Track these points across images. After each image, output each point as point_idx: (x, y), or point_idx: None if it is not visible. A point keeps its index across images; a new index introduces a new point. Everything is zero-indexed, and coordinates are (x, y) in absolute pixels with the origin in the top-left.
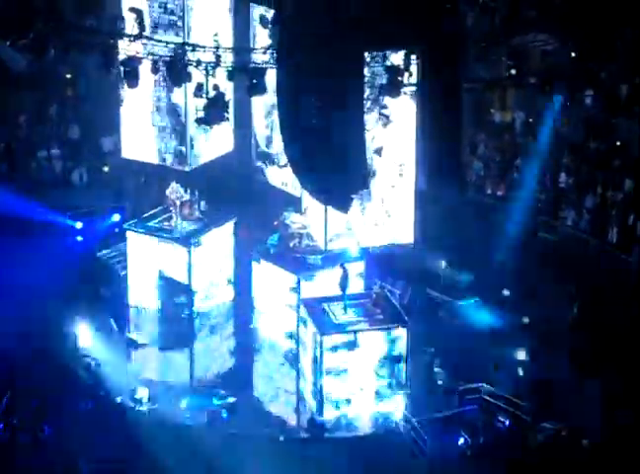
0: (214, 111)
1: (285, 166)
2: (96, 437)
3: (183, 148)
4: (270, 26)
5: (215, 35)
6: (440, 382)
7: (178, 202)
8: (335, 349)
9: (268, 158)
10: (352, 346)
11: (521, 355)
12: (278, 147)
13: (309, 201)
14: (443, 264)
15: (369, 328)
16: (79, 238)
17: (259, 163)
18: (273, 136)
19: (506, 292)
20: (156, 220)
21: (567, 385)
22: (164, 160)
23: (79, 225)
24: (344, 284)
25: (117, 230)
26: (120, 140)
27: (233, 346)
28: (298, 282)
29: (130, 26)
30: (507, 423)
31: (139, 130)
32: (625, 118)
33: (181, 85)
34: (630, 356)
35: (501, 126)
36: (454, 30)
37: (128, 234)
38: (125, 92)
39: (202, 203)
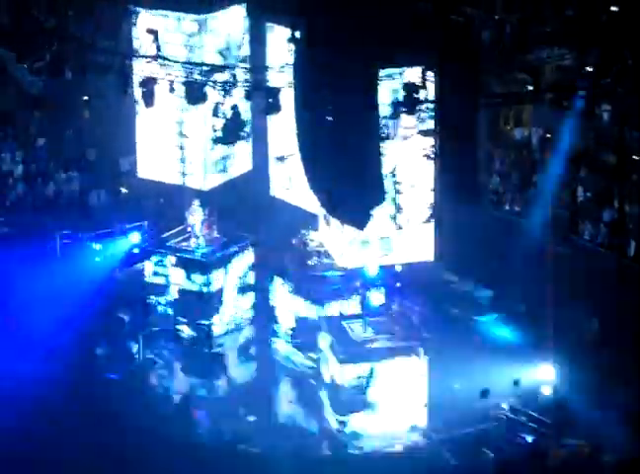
0: (232, 130)
1: (303, 184)
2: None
3: (200, 168)
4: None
5: (240, 58)
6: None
7: (198, 222)
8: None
9: (285, 176)
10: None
11: (543, 371)
12: (294, 165)
13: (327, 219)
14: (462, 280)
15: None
16: (98, 259)
17: (276, 181)
18: (289, 154)
19: (522, 308)
20: (175, 240)
21: (589, 401)
22: (182, 180)
23: (98, 247)
24: (363, 302)
25: (136, 251)
26: (137, 161)
27: (253, 364)
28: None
29: (147, 46)
30: (529, 439)
31: (157, 150)
32: None
33: (197, 105)
34: None
35: (518, 142)
36: (470, 46)
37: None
38: (142, 112)
39: (221, 223)
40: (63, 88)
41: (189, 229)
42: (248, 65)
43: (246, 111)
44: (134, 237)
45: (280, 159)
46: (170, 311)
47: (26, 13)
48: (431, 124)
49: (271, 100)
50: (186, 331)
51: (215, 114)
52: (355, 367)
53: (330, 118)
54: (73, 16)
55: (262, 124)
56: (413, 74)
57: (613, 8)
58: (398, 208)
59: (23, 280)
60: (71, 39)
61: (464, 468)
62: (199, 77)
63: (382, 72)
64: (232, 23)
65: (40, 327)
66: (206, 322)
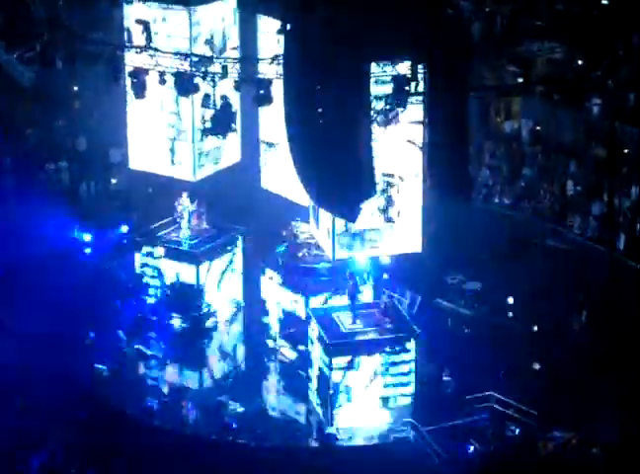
0: (221, 121)
1: (293, 176)
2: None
3: (190, 159)
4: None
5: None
6: (448, 391)
7: (186, 213)
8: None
9: (275, 168)
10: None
11: (531, 362)
12: (285, 157)
13: (317, 211)
14: (452, 272)
15: (379, 337)
16: (87, 250)
17: (266, 173)
18: (279, 146)
19: (510, 300)
20: (165, 231)
21: (577, 393)
22: (172, 171)
23: (87, 237)
24: (352, 294)
25: (125, 241)
26: (128, 152)
27: (242, 355)
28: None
29: (137, 37)
30: (517, 431)
31: (147, 142)
32: (632, 125)
33: (188, 96)
34: None
35: (508, 135)
36: (461, 38)
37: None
38: (133, 103)
39: (210, 215)
40: (54, 78)
41: (178, 220)
42: (238, 56)
43: (236, 102)
44: (124, 228)
45: (270, 145)
46: (159, 302)
47: (17, 2)
48: (420, 116)
49: (262, 91)
50: (175, 322)
51: (205, 105)
52: (343, 359)
53: (320, 111)
54: (63, 6)
55: (252, 116)
56: (403, 67)
57: (604, 1)
58: (388, 201)
59: (13, 271)
60: (61, 28)
61: (452, 460)
62: (189, 68)
63: (373, 65)
64: (222, 14)
65: (27, 317)
66: (196, 313)
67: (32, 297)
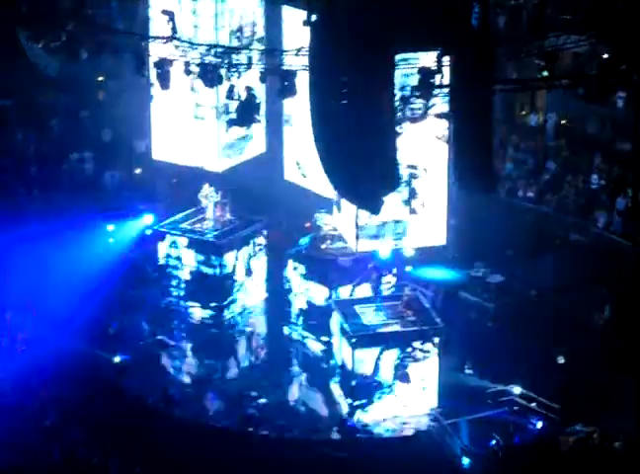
0: (246, 112)
1: (317, 167)
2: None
3: (215, 150)
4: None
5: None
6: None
7: (210, 204)
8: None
9: (299, 160)
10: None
11: (554, 356)
12: (308, 148)
13: (341, 203)
14: (476, 265)
15: (403, 329)
16: (111, 240)
17: (290, 165)
18: (304, 138)
19: (533, 292)
20: (188, 222)
21: (600, 387)
22: (196, 162)
23: (111, 227)
24: (376, 286)
25: (149, 232)
26: (152, 142)
27: (265, 347)
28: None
29: (162, 28)
30: (539, 425)
31: (171, 132)
32: None
33: (213, 87)
34: None
35: (532, 128)
36: (486, 31)
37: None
38: (157, 94)
39: (234, 205)
40: (79, 69)
41: (202, 211)
42: (263, 47)
43: (261, 93)
44: (148, 218)
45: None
46: (182, 293)
47: None
48: (445, 108)
49: (286, 83)
50: (198, 312)
51: (230, 96)
52: (366, 352)
53: (345, 102)
54: None
55: (277, 107)
56: (428, 59)
57: None
58: (412, 193)
59: (38, 261)
60: (87, 19)
61: (474, 453)
62: (214, 59)
63: (398, 56)
64: (248, 5)
65: (53, 307)
66: (218, 304)
67: (55, 286)
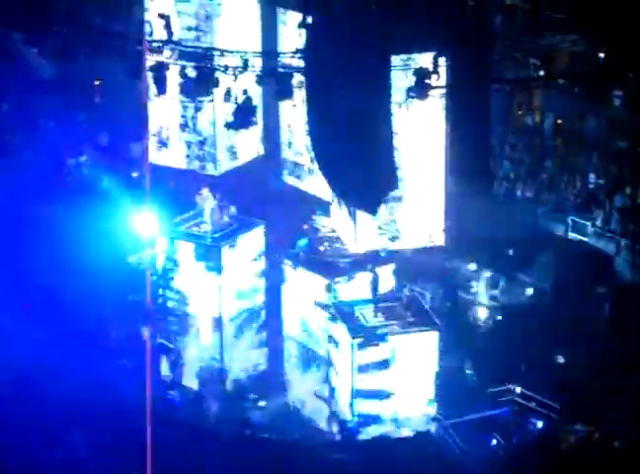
0: (243, 115)
1: (314, 170)
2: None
3: (213, 153)
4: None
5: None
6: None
7: (208, 208)
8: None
9: (296, 162)
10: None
11: (553, 356)
12: (306, 150)
13: (339, 204)
14: (474, 266)
15: (402, 331)
16: (109, 244)
17: (288, 167)
18: (301, 140)
19: (532, 292)
20: (187, 225)
21: (600, 386)
22: (194, 165)
23: (108, 232)
24: (374, 287)
25: (147, 236)
26: (149, 146)
27: (264, 350)
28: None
29: (158, 31)
30: (539, 424)
31: (169, 136)
32: None
33: (209, 90)
34: None
35: (529, 128)
36: (482, 31)
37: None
38: (154, 97)
39: (232, 208)
40: (75, 72)
41: (199, 214)
42: (259, 50)
43: (257, 96)
44: (146, 222)
45: (291, 144)
46: (181, 296)
47: None
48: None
49: (282, 85)
50: (197, 315)
51: (227, 99)
52: (365, 353)
53: (341, 104)
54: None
55: (274, 110)
56: (425, 60)
57: None
58: (410, 194)
59: (35, 265)
60: (82, 22)
61: (474, 453)
62: (210, 62)
63: (394, 58)
64: (244, 7)
65: (51, 311)
66: (217, 307)
67: (54, 292)
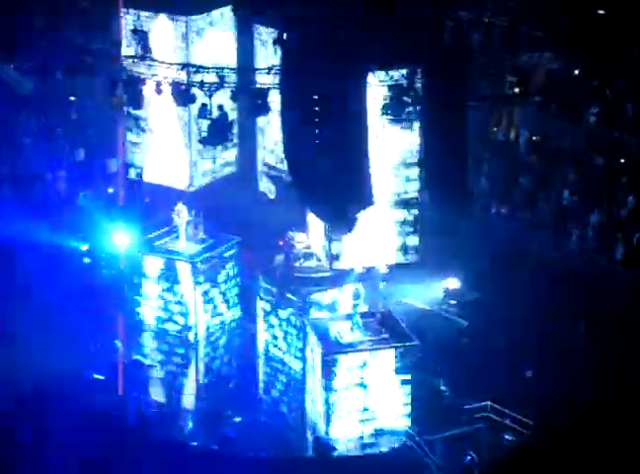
0: (218, 131)
1: (289, 186)
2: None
3: (187, 169)
4: (272, 46)
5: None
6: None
7: (184, 223)
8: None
9: (272, 178)
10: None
11: (529, 372)
12: (281, 167)
13: (314, 221)
14: (450, 282)
15: (377, 347)
16: (86, 260)
17: (263, 183)
18: (277, 156)
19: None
20: (162, 241)
21: (574, 403)
22: (169, 181)
23: (85, 247)
24: (350, 304)
25: (122, 251)
26: (125, 162)
27: (241, 365)
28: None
29: (134, 47)
30: (513, 440)
31: (144, 152)
32: (629, 135)
33: (185, 106)
34: None
35: (505, 144)
36: (460, 48)
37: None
38: (130, 113)
39: (207, 224)
40: (52, 88)
41: (175, 230)
42: (235, 66)
43: (233, 111)
44: (121, 237)
45: (267, 161)
46: (157, 312)
47: (15, 12)
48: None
49: (259, 101)
50: (173, 331)
51: (202, 115)
52: (341, 369)
53: (317, 120)
54: (62, 17)
55: (249, 125)
56: (401, 77)
57: (601, 12)
58: (385, 210)
59: (12, 281)
60: (61, 39)
61: (448, 470)
62: (186, 78)
63: (370, 74)
64: (219, 24)
65: (26, 326)
66: (193, 323)
67: (30, 306)
